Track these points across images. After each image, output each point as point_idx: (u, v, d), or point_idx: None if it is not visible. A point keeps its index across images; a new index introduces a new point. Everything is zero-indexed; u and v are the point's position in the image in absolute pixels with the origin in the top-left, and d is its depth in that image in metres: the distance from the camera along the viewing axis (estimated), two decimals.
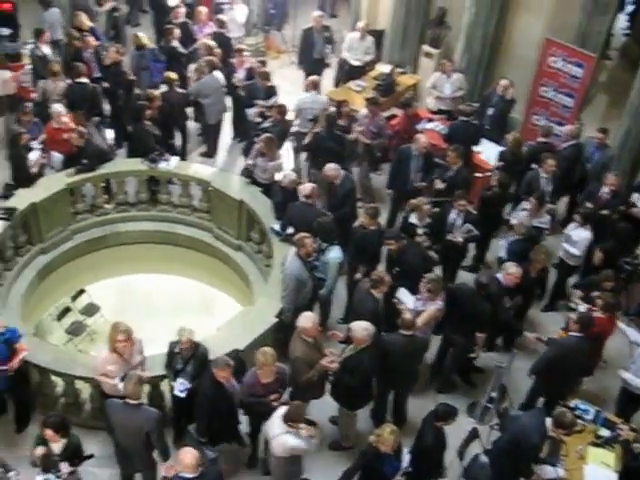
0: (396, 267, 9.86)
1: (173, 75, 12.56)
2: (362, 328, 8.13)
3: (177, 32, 13.70)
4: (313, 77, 12.94)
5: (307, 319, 8.20)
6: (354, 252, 10.03)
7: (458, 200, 10.23)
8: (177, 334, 8.19)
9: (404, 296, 9.32)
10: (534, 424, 7.73)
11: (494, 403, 8.96)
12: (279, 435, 7.45)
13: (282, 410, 7.56)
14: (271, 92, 12.81)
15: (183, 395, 8.16)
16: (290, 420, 7.41)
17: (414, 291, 9.21)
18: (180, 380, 8.16)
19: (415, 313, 8.87)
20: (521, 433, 7.69)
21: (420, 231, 10.15)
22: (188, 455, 6.88)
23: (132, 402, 7.43)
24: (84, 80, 12.36)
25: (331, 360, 8.19)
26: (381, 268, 10.04)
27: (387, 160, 12.69)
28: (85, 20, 14.02)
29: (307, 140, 11.88)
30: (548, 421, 7.72)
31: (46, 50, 13.32)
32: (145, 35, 14.00)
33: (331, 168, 10.58)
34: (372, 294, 8.86)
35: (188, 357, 8.20)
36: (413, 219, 10.33)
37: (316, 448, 7.96)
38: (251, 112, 12.60)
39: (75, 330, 11.35)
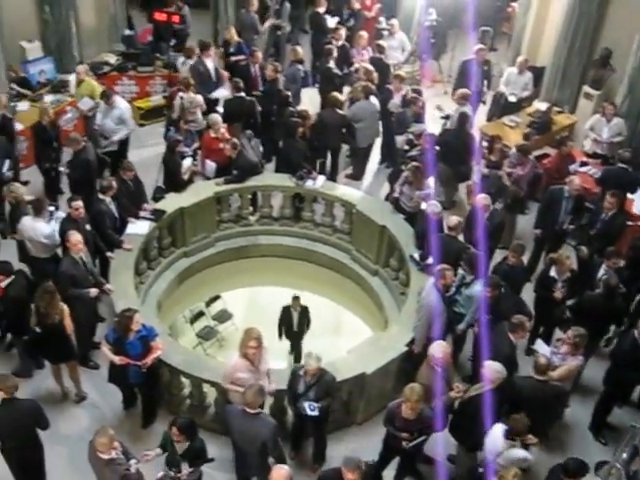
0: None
1: (339, 96, 12.63)
2: (495, 370, 7.91)
3: (335, 53, 13.87)
4: (463, 90, 12.90)
5: (439, 347, 8.11)
6: None
7: (611, 258, 9.77)
8: (304, 359, 8.21)
9: (540, 348, 9.03)
10: None
11: (624, 464, 8.44)
12: (506, 450, 7.50)
13: (499, 427, 7.58)
14: (421, 121, 12.75)
15: (316, 413, 8.16)
16: (516, 434, 7.47)
17: None
18: (308, 403, 8.15)
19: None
20: None
21: (559, 285, 9.73)
22: (282, 472, 6.89)
23: (250, 411, 7.45)
24: (242, 94, 12.71)
25: (458, 392, 8.06)
26: None
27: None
28: (234, 35, 14.53)
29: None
30: None
31: (209, 64, 13.80)
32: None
33: (482, 197, 10.42)
34: (510, 338, 8.59)
35: (312, 383, 8.16)
36: (552, 272, 9.90)
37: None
38: (400, 139, 12.58)
39: (206, 335, 11.61)
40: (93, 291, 9.40)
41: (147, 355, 8.47)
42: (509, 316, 8.86)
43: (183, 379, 9.20)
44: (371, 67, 13.51)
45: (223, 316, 11.93)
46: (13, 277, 9.24)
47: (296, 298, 10.71)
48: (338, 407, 9.03)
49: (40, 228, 9.92)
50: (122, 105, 12.62)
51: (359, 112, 12.81)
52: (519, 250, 9.76)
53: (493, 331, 8.97)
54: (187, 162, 11.71)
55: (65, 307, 8.83)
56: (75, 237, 9.23)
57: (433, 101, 15.17)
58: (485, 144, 12.82)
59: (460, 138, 12.46)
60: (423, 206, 10.84)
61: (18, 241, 10.49)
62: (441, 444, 8.46)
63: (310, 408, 8.15)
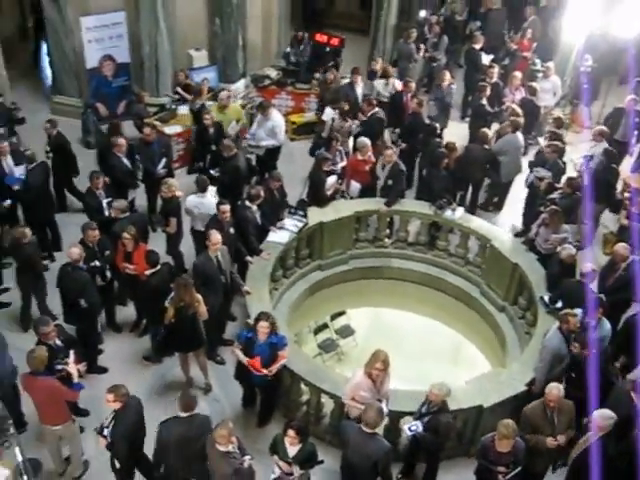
0: None
1: (488, 133, 12.69)
2: (605, 417, 7.77)
3: (488, 91, 14.01)
4: (601, 127, 12.72)
5: (554, 389, 8.00)
6: (621, 341, 9.51)
7: None
8: (434, 385, 8.14)
9: None
10: None
11: None
12: None
13: None
14: (559, 166, 12.62)
15: (409, 433, 8.22)
16: None
17: None
18: (416, 422, 8.19)
19: None
20: None
21: None
22: None
23: (368, 430, 7.54)
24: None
25: (555, 443, 7.98)
26: None
27: None
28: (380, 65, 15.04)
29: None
30: None
31: (358, 90, 14.27)
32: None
33: (622, 247, 10.26)
34: (632, 397, 8.33)
35: (432, 410, 8.19)
36: None
37: None
38: (537, 181, 12.52)
39: (327, 347, 11.83)
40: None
41: (273, 362, 8.72)
42: None
43: (303, 386, 9.39)
44: (519, 110, 13.52)
45: (346, 331, 12.14)
46: (159, 267, 9.79)
47: None
48: (453, 444, 9.01)
49: (207, 203, 10.85)
50: (277, 118, 13.21)
51: (505, 145, 12.87)
52: None
53: (613, 388, 8.76)
54: (332, 179, 12.08)
55: (199, 296, 9.24)
56: (216, 237, 9.70)
57: (579, 147, 14.99)
58: (627, 195, 12.55)
59: (609, 174, 12.27)
60: (557, 249, 10.82)
61: (168, 234, 11.22)
62: None
63: (411, 428, 8.20)
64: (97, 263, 9.98)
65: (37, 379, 7.91)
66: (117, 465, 7.88)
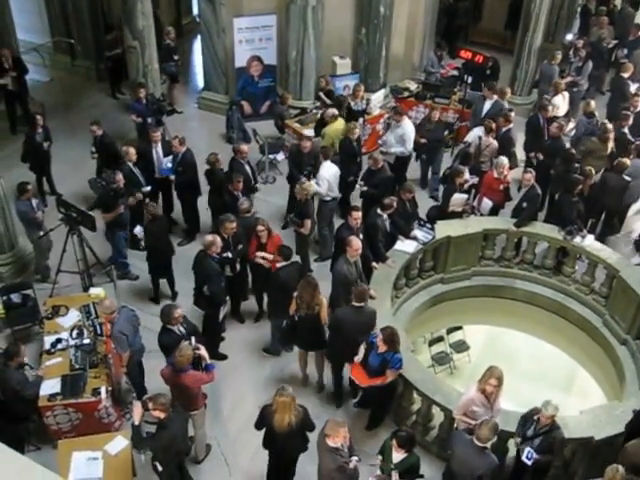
0: None
1: (627, 162, 12.42)
2: None
3: (631, 120, 13.77)
4: None
5: None
6: None
7: None
8: (542, 404, 8.15)
9: None
10: None
11: None
12: None
13: None
14: None
15: (529, 463, 8.16)
16: None
17: None
18: (528, 449, 8.15)
19: None
20: None
21: None
22: None
23: (479, 444, 7.61)
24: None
25: None
26: None
27: None
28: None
29: None
30: None
31: (487, 105, 14.35)
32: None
33: None
34: None
35: (542, 431, 8.16)
36: None
37: None
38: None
39: (440, 360, 12.01)
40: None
41: (379, 376, 8.91)
42: None
43: (416, 395, 9.52)
44: None
45: (460, 347, 12.27)
46: (289, 262, 10.11)
47: None
48: (559, 464, 8.91)
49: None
50: (408, 127, 13.45)
51: (635, 170, 12.65)
52: None
53: None
54: (461, 197, 12.11)
55: (324, 300, 9.55)
56: (357, 243, 9.99)
57: None
58: None
59: None
60: None
61: (300, 235, 11.63)
62: None
63: (527, 456, 8.12)
64: (229, 254, 10.45)
65: (184, 375, 8.26)
66: (159, 468, 7.95)
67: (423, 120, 14.42)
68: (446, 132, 14.81)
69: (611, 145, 13.28)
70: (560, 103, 14.91)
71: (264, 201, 13.38)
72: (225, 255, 10.36)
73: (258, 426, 8.16)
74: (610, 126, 13.44)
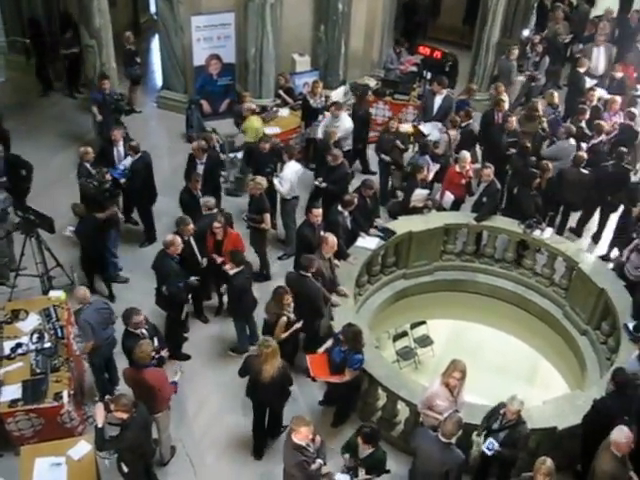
0: None
1: (584, 156, 12.49)
2: None
3: (587, 114, 13.95)
4: None
5: (621, 433, 7.65)
6: None
7: None
8: (508, 399, 8.15)
9: None
10: None
11: None
12: None
13: None
14: None
15: (489, 453, 8.19)
16: None
17: None
18: (490, 439, 8.18)
19: None
20: None
21: None
22: None
23: (444, 440, 7.60)
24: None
25: None
26: None
27: None
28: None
29: None
30: None
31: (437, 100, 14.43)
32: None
33: None
34: None
35: (507, 425, 8.18)
36: None
37: None
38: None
39: (404, 355, 12.03)
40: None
41: (338, 373, 8.97)
42: None
43: (380, 391, 9.53)
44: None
45: (424, 341, 12.30)
46: (241, 268, 9.96)
47: None
48: (525, 456, 8.87)
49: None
50: (345, 121, 13.55)
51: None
52: None
53: None
54: (422, 192, 12.21)
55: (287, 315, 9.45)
56: (333, 240, 10.07)
57: None
58: None
59: None
60: None
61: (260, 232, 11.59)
62: None
63: (489, 447, 8.15)
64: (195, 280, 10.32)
65: (145, 371, 8.24)
66: (124, 469, 7.91)
67: (382, 133, 13.97)
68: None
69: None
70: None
71: (226, 200, 13.28)
72: (190, 281, 10.19)
73: (242, 374, 8.64)
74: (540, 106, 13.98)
